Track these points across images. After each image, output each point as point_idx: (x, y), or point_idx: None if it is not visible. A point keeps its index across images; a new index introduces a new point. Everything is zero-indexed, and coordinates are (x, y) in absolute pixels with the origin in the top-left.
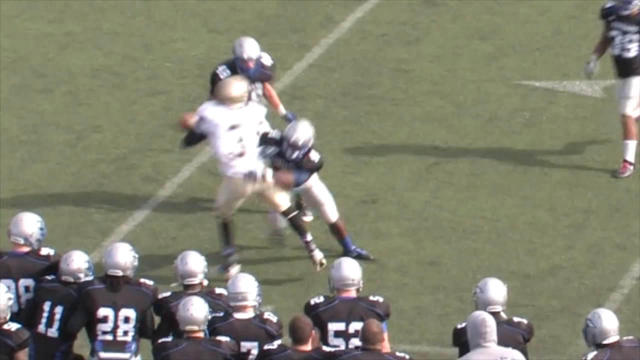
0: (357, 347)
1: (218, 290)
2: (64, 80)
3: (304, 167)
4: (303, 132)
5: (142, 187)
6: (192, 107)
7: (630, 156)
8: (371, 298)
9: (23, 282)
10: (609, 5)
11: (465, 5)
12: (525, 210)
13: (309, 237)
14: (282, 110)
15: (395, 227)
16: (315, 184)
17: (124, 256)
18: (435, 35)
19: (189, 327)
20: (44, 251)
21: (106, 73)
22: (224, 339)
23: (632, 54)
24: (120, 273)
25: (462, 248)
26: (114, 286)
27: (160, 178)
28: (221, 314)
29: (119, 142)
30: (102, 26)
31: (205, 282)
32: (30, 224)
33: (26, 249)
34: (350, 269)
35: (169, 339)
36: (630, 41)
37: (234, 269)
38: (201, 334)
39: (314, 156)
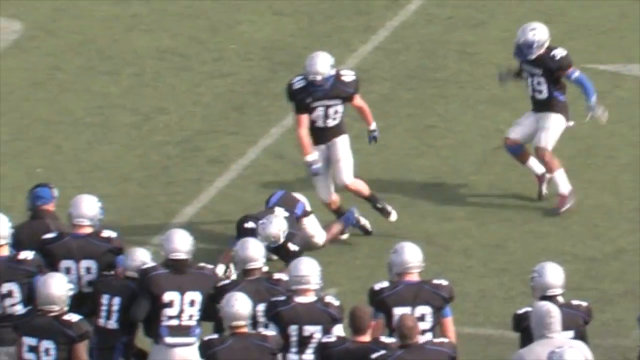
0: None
1: (277, 276)
2: (130, 62)
3: (283, 254)
4: (272, 229)
5: (208, 169)
6: (258, 89)
7: (564, 187)
8: (435, 281)
9: (84, 263)
10: (515, 47)
11: None
12: (590, 193)
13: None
14: (372, 126)
15: (460, 209)
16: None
17: (184, 240)
18: (500, 18)
19: (234, 323)
20: (106, 233)
21: (172, 55)
22: (270, 333)
23: (543, 96)
24: (183, 256)
25: (527, 231)
26: (178, 269)
27: (226, 160)
28: (282, 298)
29: (185, 124)
30: (168, 8)
31: (265, 268)
32: (90, 205)
33: (89, 230)
34: (412, 253)
35: (215, 335)
36: (539, 83)
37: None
38: (246, 329)
39: (292, 247)
